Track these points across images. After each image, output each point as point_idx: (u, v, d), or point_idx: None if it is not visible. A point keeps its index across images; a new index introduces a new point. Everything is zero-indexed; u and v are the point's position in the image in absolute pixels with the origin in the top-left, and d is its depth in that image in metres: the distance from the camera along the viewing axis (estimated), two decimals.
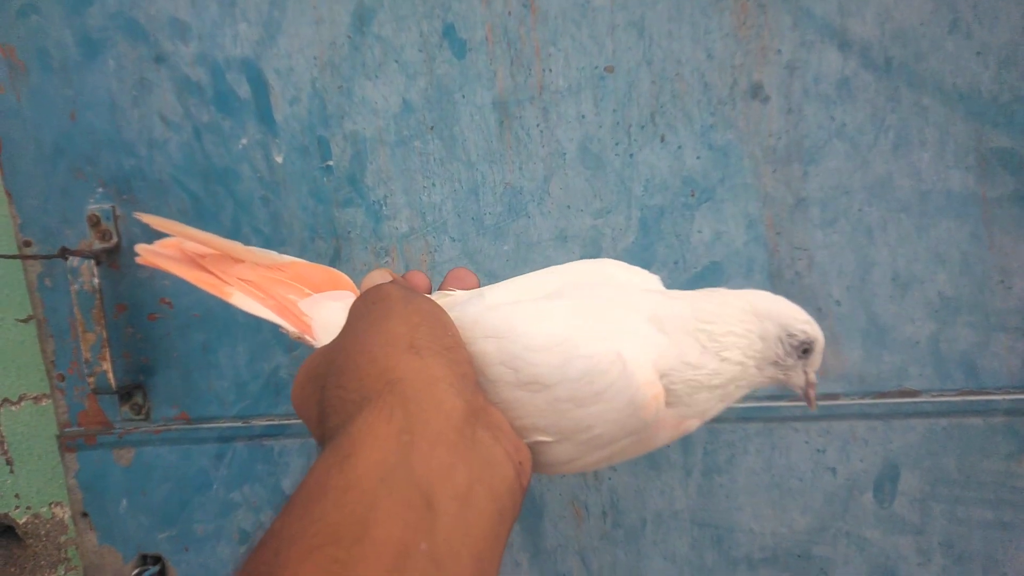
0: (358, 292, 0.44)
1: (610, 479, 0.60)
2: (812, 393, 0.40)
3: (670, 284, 0.56)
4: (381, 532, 0.24)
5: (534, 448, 0.35)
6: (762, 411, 0.58)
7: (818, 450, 0.58)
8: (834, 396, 0.57)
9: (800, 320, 0.38)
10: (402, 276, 0.44)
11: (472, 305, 0.39)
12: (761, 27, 0.53)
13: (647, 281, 0.43)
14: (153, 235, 0.44)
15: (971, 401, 0.57)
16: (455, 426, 0.28)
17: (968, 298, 0.56)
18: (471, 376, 0.32)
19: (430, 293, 0.43)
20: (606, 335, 0.35)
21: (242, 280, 0.43)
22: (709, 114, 0.54)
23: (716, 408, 0.38)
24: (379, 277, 0.42)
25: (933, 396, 0.57)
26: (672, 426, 0.37)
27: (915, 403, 0.57)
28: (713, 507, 0.59)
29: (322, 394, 0.32)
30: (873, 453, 0.58)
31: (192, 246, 0.44)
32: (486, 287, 0.43)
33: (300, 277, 0.45)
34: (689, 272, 0.56)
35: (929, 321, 0.56)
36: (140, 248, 0.44)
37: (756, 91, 0.54)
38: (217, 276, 0.43)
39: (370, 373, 0.30)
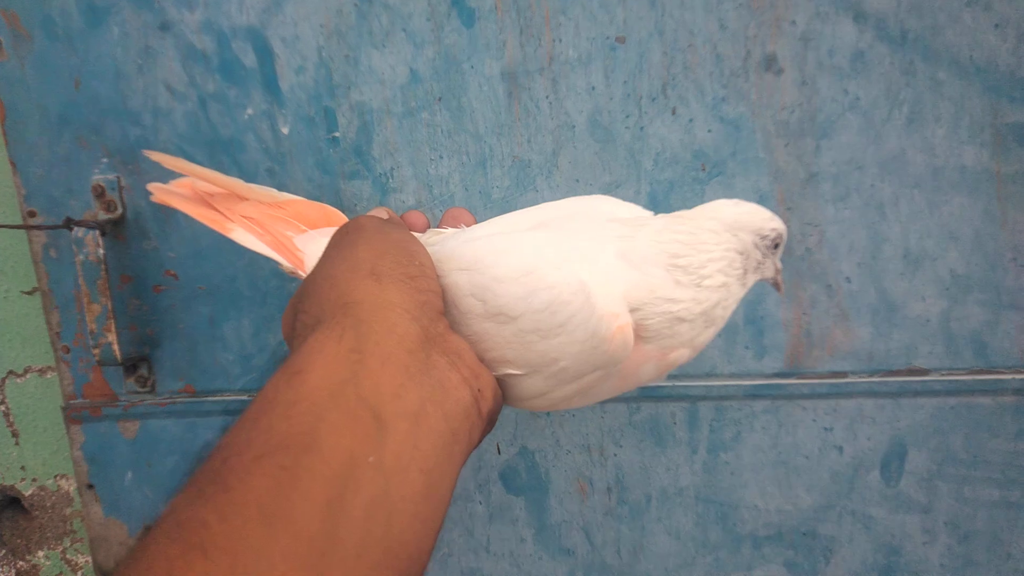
0: None
1: (615, 455, 0.60)
2: (779, 276, 0.41)
3: None
4: (329, 443, 0.24)
5: (505, 381, 0.35)
6: (769, 388, 0.57)
7: (825, 428, 0.58)
8: (842, 374, 0.57)
9: (768, 219, 0.39)
10: (400, 216, 0.44)
11: (453, 238, 0.39)
12: None
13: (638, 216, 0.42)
14: (159, 205, 0.45)
15: (980, 380, 0.56)
16: (408, 348, 0.29)
17: (980, 276, 0.55)
18: (433, 304, 0.33)
19: (426, 231, 0.44)
20: (572, 266, 0.35)
21: (244, 217, 0.44)
22: (721, 86, 0.53)
23: (705, 335, 0.37)
24: (378, 213, 0.44)
25: (942, 375, 0.56)
26: (657, 359, 0.37)
27: (924, 382, 0.57)
28: (718, 484, 0.59)
29: (295, 320, 0.33)
30: (880, 432, 0.58)
31: (203, 185, 0.45)
32: (476, 224, 0.43)
33: (298, 214, 0.46)
34: None
35: (940, 299, 0.55)
36: (153, 187, 0.45)
37: (769, 63, 0.53)
38: (221, 213, 0.44)
39: (329, 297, 0.31)
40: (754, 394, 0.57)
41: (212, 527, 0.22)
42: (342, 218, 0.47)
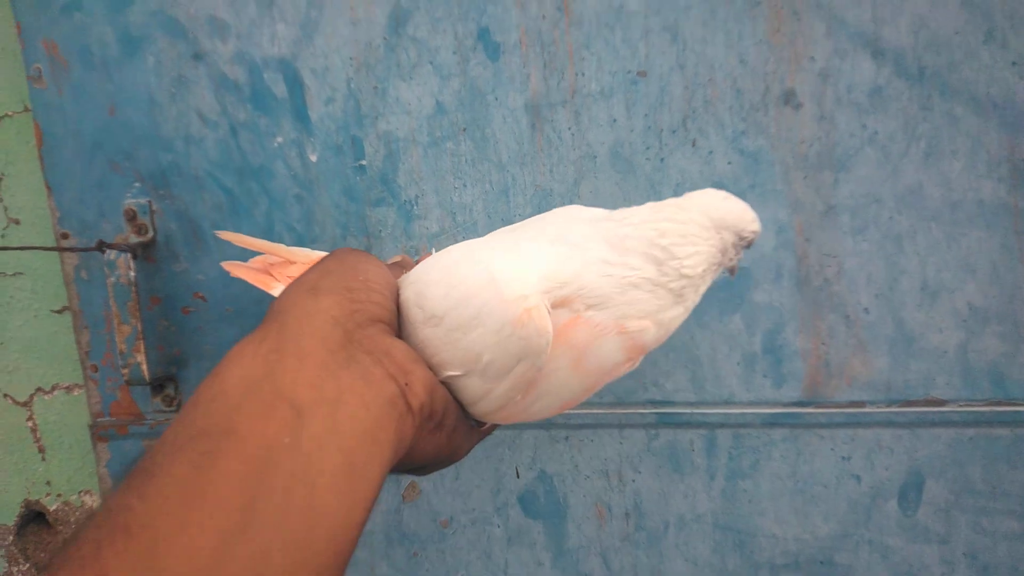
0: None
1: (634, 481, 0.60)
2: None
3: None
4: (245, 428, 0.26)
5: (452, 384, 0.36)
6: (787, 417, 0.58)
7: (843, 457, 0.58)
8: (860, 404, 0.57)
9: (750, 221, 0.39)
10: (419, 259, 0.48)
11: (422, 259, 0.42)
12: (795, 34, 0.53)
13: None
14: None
15: (998, 412, 0.56)
16: (328, 348, 0.30)
17: (997, 308, 0.55)
18: (366, 312, 0.34)
19: None
20: (490, 260, 0.35)
21: (289, 277, 0.48)
22: (741, 120, 0.54)
23: (672, 312, 0.36)
24: (397, 259, 0.48)
25: (960, 406, 0.57)
26: (615, 331, 0.35)
27: (942, 412, 0.57)
28: (736, 512, 0.60)
29: None
30: (898, 461, 0.58)
31: (271, 259, 0.51)
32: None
33: None
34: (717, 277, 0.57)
35: (957, 330, 0.56)
36: (228, 266, 0.51)
37: (788, 98, 0.54)
38: (274, 277, 0.49)
39: (269, 312, 0.33)
40: (772, 422, 0.58)
41: (134, 509, 0.24)
42: None
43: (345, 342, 0.31)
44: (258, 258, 0.52)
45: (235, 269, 0.51)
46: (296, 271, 0.49)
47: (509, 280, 0.33)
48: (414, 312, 0.36)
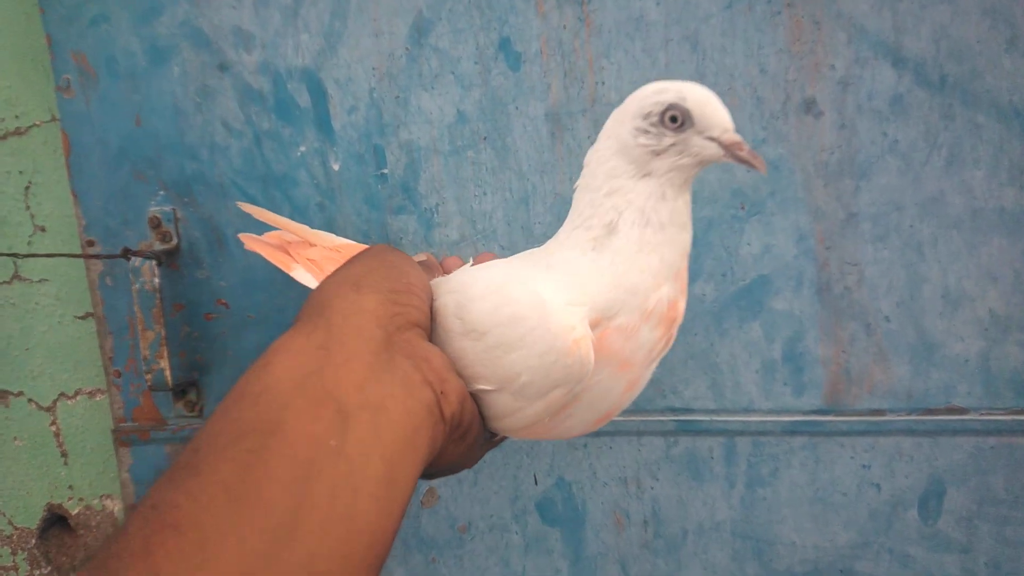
0: None
1: (652, 488, 0.60)
2: (742, 152, 0.33)
3: (717, 297, 0.57)
4: (293, 428, 0.26)
5: (480, 398, 0.36)
6: (807, 425, 0.58)
7: (863, 465, 0.58)
8: (881, 412, 0.57)
9: (648, 93, 0.33)
10: (440, 261, 0.50)
11: (457, 270, 0.41)
12: (815, 43, 0.53)
13: None
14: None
15: (1021, 420, 0.56)
16: (372, 349, 0.30)
17: (1019, 316, 0.55)
18: (407, 316, 0.34)
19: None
20: (537, 283, 0.35)
21: (309, 260, 0.49)
22: (761, 128, 0.55)
23: (666, 255, 0.34)
24: (417, 258, 0.47)
25: (982, 414, 0.57)
26: (643, 321, 0.34)
27: (963, 421, 0.57)
28: (755, 519, 0.60)
29: None
30: (919, 470, 0.58)
31: (287, 236, 0.51)
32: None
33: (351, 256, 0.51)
34: (737, 285, 0.57)
35: (979, 339, 0.56)
36: (245, 237, 0.51)
37: (809, 106, 0.54)
38: (292, 256, 0.49)
39: (312, 301, 0.33)
40: (792, 430, 0.58)
41: (183, 507, 0.23)
42: None
43: (387, 344, 0.31)
44: (274, 233, 0.52)
45: (251, 242, 0.50)
46: (317, 254, 0.49)
47: (558, 308, 0.33)
48: (452, 322, 0.36)
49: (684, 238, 0.35)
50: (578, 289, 0.34)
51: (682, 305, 0.36)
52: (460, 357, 0.36)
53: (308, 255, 0.49)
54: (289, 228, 0.51)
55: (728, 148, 0.33)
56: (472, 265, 0.45)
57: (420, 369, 0.32)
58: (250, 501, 0.24)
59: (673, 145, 0.33)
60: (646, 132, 0.33)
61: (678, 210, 0.34)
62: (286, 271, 0.48)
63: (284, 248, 0.50)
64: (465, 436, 0.36)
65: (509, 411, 0.36)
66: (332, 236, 0.51)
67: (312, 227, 0.59)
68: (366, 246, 0.50)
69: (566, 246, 0.37)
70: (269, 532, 0.24)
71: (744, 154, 0.33)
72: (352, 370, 0.29)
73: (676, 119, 0.33)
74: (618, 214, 0.34)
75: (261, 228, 0.52)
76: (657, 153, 0.33)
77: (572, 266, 0.35)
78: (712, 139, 0.33)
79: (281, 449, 0.25)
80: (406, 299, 0.35)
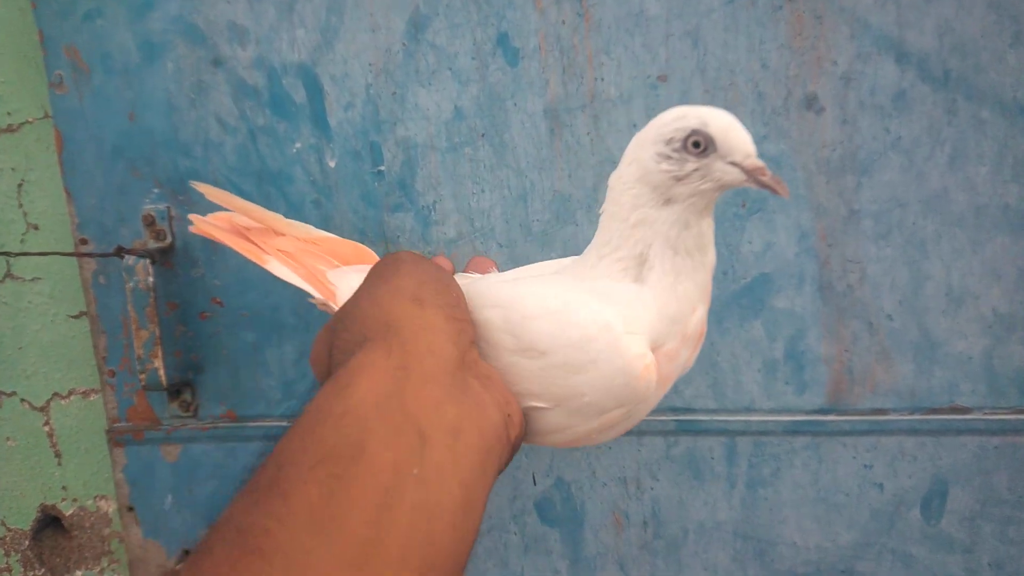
0: None
1: (652, 488, 0.60)
2: (764, 177, 0.33)
3: (718, 295, 0.56)
4: (375, 454, 0.26)
5: (528, 414, 0.36)
6: (809, 424, 0.57)
7: (865, 465, 0.57)
8: (883, 411, 0.57)
9: (670, 119, 0.34)
10: (469, 261, 0.49)
11: (481, 281, 0.41)
12: (817, 38, 0.53)
13: None
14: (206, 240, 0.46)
15: None
16: (447, 369, 0.30)
17: (1023, 315, 0.55)
18: (467, 332, 0.34)
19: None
20: (598, 305, 0.35)
21: (280, 251, 0.46)
22: (762, 124, 0.54)
23: (697, 283, 0.36)
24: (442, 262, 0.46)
25: (985, 414, 0.56)
26: (683, 345, 0.36)
27: (966, 420, 0.56)
28: (756, 520, 0.59)
29: (332, 343, 0.34)
30: (922, 470, 0.57)
31: (240, 219, 0.47)
32: (504, 272, 0.45)
33: (332, 251, 0.49)
34: (738, 283, 0.56)
35: (982, 337, 0.55)
36: (194, 217, 0.48)
37: (811, 102, 0.53)
38: (258, 246, 0.46)
39: (373, 316, 0.32)
40: (794, 430, 0.57)
41: (270, 532, 0.23)
42: (374, 257, 0.49)
43: (459, 364, 0.31)
44: (222, 215, 0.48)
45: (200, 223, 0.48)
46: (290, 246, 0.47)
47: (629, 335, 0.34)
48: (501, 337, 0.36)
49: (710, 258, 0.36)
50: (632, 319, 0.35)
51: (701, 316, 0.37)
52: (508, 373, 0.35)
53: (278, 246, 0.47)
54: (252, 214, 0.48)
55: (751, 173, 0.33)
56: (479, 274, 0.45)
57: (489, 390, 0.32)
58: (334, 529, 0.24)
59: (696, 170, 0.34)
60: (668, 158, 0.34)
61: (702, 234, 0.35)
62: (258, 263, 0.46)
63: (241, 234, 0.47)
64: (513, 457, 0.36)
65: (559, 428, 0.36)
66: (307, 227, 0.49)
67: (309, 224, 0.59)
68: (347, 240, 0.49)
69: (602, 274, 0.37)
70: (350, 562, 0.23)
71: (767, 179, 0.33)
72: (430, 391, 0.29)
73: (699, 144, 0.33)
74: (647, 246, 0.35)
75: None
76: (679, 179, 0.34)
77: (619, 296, 0.36)
78: (734, 164, 0.33)
79: (364, 475, 0.25)
80: (461, 313, 0.34)
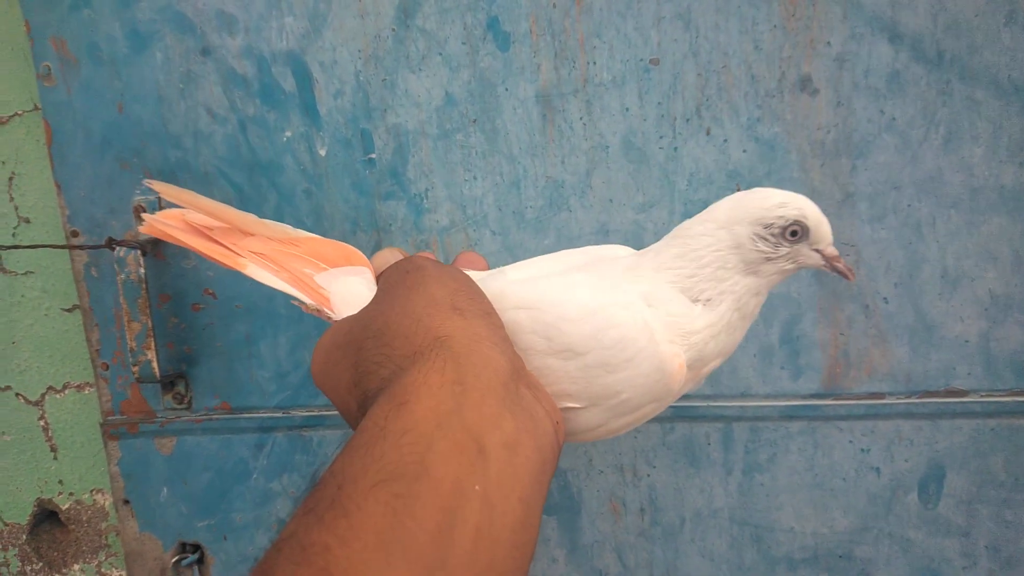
0: (372, 268, 0.45)
1: (649, 476, 0.59)
2: (840, 264, 0.37)
3: None
4: (438, 472, 0.25)
5: (564, 415, 0.36)
6: (805, 409, 0.57)
7: (862, 450, 0.57)
8: (880, 395, 0.56)
9: (772, 206, 0.36)
10: (457, 255, 0.46)
11: (494, 280, 0.40)
12: (810, 19, 0.52)
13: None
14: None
15: (1021, 402, 0.55)
16: (502, 381, 0.30)
17: (1019, 296, 0.54)
18: (509, 340, 0.34)
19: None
20: (631, 306, 0.36)
21: (254, 253, 0.43)
22: (756, 107, 0.53)
23: (731, 340, 0.38)
24: (389, 255, 0.44)
25: (982, 396, 0.56)
26: (694, 379, 0.38)
27: (963, 403, 0.56)
28: (753, 506, 0.59)
29: (358, 357, 0.33)
30: (918, 453, 0.57)
31: (197, 217, 0.43)
32: (503, 267, 0.44)
33: (315, 252, 0.45)
34: None
35: (979, 319, 0.55)
36: (145, 216, 0.44)
37: (804, 84, 0.53)
38: (228, 248, 0.43)
39: (416, 332, 0.31)
40: (790, 415, 0.57)
41: (334, 552, 0.23)
42: (362, 257, 0.46)
43: (512, 373, 0.31)
44: (171, 212, 0.43)
45: (152, 222, 0.43)
46: (263, 247, 0.43)
47: (662, 334, 0.36)
48: (529, 339, 0.36)
49: (750, 323, 0.39)
50: (678, 331, 0.36)
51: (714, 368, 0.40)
52: (541, 375, 0.35)
53: (249, 247, 0.43)
54: (219, 214, 0.43)
55: (829, 260, 0.37)
56: (460, 266, 0.44)
57: (539, 399, 0.32)
58: (399, 550, 0.23)
59: (787, 254, 0.36)
60: (765, 240, 0.36)
61: (761, 303, 0.38)
62: (235, 268, 0.42)
63: (203, 234, 0.42)
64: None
65: (594, 426, 0.37)
66: (284, 227, 0.45)
67: (301, 215, 0.58)
68: (331, 240, 0.46)
69: (663, 287, 0.37)
70: None
71: (841, 267, 0.37)
72: (488, 405, 0.28)
73: (796, 233, 0.36)
74: (719, 294, 0.37)
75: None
76: (770, 259, 0.36)
77: (676, 307, 0.37)
78: (818, 251, 0.37)
79: (427, 494, 0.25)
80: (497, 320, 0.34)
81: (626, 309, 0.36)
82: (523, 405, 0.30)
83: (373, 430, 0.27)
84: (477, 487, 0.26)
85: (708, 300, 0.37)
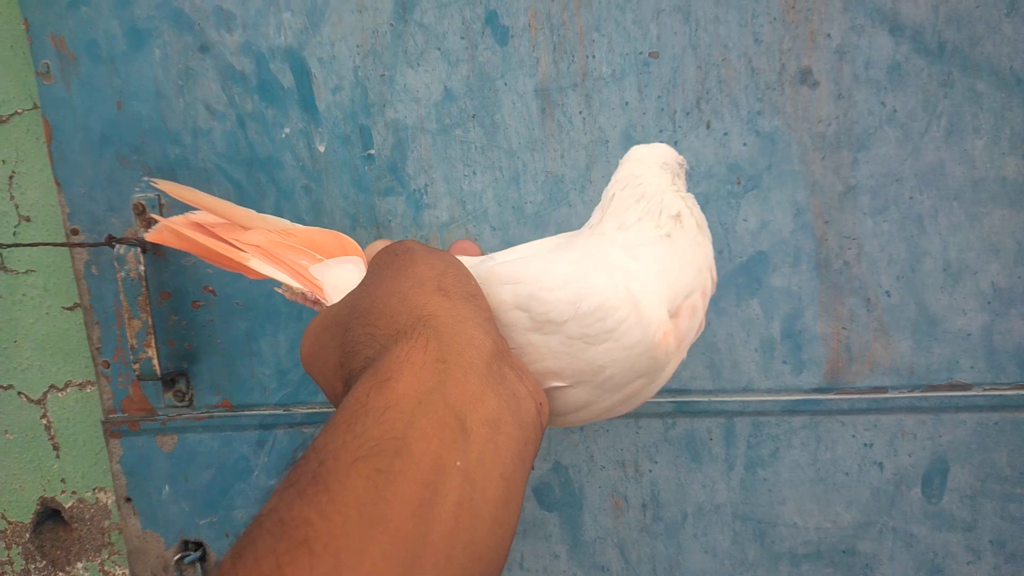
0: (365, 258, 0.45)
1: (651, 471, 0.59)
2: None
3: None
4: (419, 447, 0.25)
5: (549, 395, 0.35)
6: (808, 404, 0.57)
7: (865, 444, 0.57)
8: (882, 389, 0.56)
9: (676, 154, 0.43)
10: (451, 244, 0.47)
11: (484, 263, 0.40)
12: (810, 11, 0.52)
13: None
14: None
15: None
16: (485, 360, 0.30)
17: (1022, 289, 0.54)
18: (494, 320, 0.34)
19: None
20: (614, 273, 0.35)
21: (252, 246, 0.44)
22: (756, 100, 0.53)
23: (706, 250, 0.39)
24: (381, 245, 0.43)
25: (985, 390, 0.55)
26: (703, 298, 0.39)
27: (966, 397, 0.56)
28: (756, 501, 0.59)
29: (344, 338, 0.33)
30: (922, 448, 0.56)
31: (202, 216, 0.44)
32: (493, 253, 0.44)
33: (310, 243, 0.46)
34: (734, 262, 0.56)
35: (982, 312, 0.54)
36: (154, 218, 0.45)
37: (805, 76, 0.53)
38: (231, 243, 0.43)
39: (401, 311, 0.31)
40: (792, 409, 0.57)
41: (315, 525, 0.23)
42: (357, 247, 0.46)
43: (495, 353, 0.31)
44: (178, 217, 0.45)
45: (164, 233, 0.44)
46: (261, 239, 0.44)
47: (650, 303, 0.34)
48: (513, 316, 0.35)
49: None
50: (664, 275, 0.36)
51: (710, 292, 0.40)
52: (525, 353, 0.35)
53: (250, 240, 0.44)
54: (220, 210, 0.44)
55: None
56: (454, 254, 0.44)
57: (522, 379, 0.32)
58: (381, 525, 0.23)
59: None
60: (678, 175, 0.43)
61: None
62: (241, 262, 0.42)
63: (209, 232, 0.43)
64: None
65: (582, 405, 0.35)
66: (281, 220, 0.46)
67: (300, 211, 0.58)
68: (326, 230, 0.47)
69: (636, 234, 0.38)
70: (398, 559, 0.23)
71: None
72: (470, 383, 0.28)
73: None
74: (675, 216, 0.38)
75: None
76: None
77: (654, 251, 0.37)
78: None
79: (408, 469, 0.25)
80: (482, 302, 0.34)
81: (608, 277, 0.35)
82: (506, 384, 0.30)
83: (355, 406, 0.27)
84: (458, 463, 0.26)
85: (679, 217, 0.38)
